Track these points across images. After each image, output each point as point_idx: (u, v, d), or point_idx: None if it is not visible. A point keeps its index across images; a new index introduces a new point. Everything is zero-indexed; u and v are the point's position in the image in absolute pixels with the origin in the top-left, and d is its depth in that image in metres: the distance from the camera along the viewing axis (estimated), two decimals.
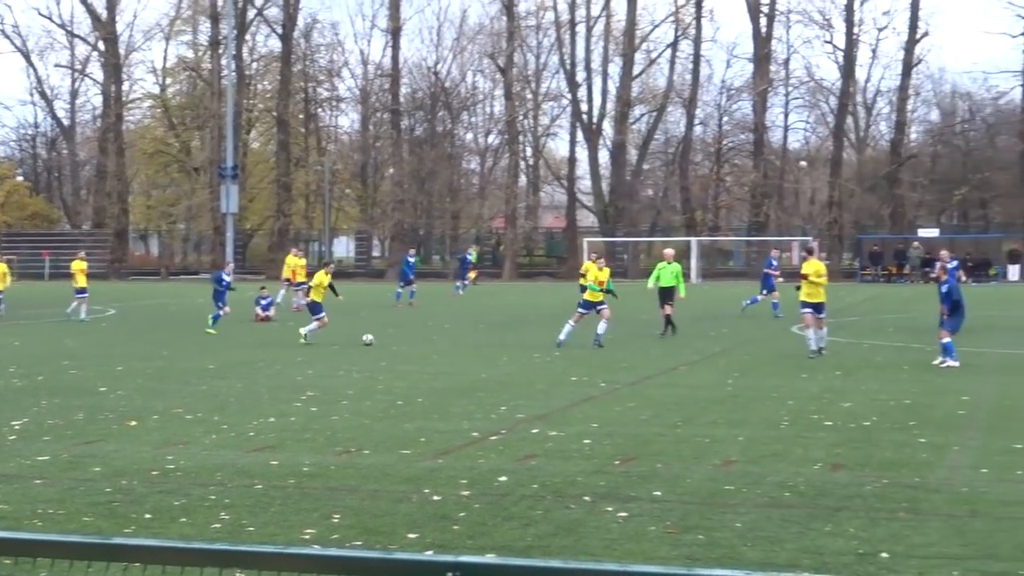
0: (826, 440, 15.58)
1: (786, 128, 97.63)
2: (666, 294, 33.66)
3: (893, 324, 37.84)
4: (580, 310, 30.32)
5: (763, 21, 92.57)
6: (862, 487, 12.59)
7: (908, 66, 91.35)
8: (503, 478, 13.11)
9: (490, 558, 3.66)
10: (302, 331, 31.44)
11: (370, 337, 30.64)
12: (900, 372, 23.90)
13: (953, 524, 11.03)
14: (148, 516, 11.48)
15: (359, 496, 12.31)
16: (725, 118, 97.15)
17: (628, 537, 10.57)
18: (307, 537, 10.63)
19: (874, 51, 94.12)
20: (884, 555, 9.94)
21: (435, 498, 12.12)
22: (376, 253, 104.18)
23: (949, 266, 32.88)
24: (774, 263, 42.86)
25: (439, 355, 28.09)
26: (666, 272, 34.02)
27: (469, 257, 64.11)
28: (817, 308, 26.78)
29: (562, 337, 29.56)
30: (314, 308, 32.15)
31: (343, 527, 10.98)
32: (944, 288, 25.17)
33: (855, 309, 43.53)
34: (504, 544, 10.33)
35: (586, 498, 12.09)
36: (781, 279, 41.25)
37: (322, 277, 32.70)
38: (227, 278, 37.44)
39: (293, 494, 12.40)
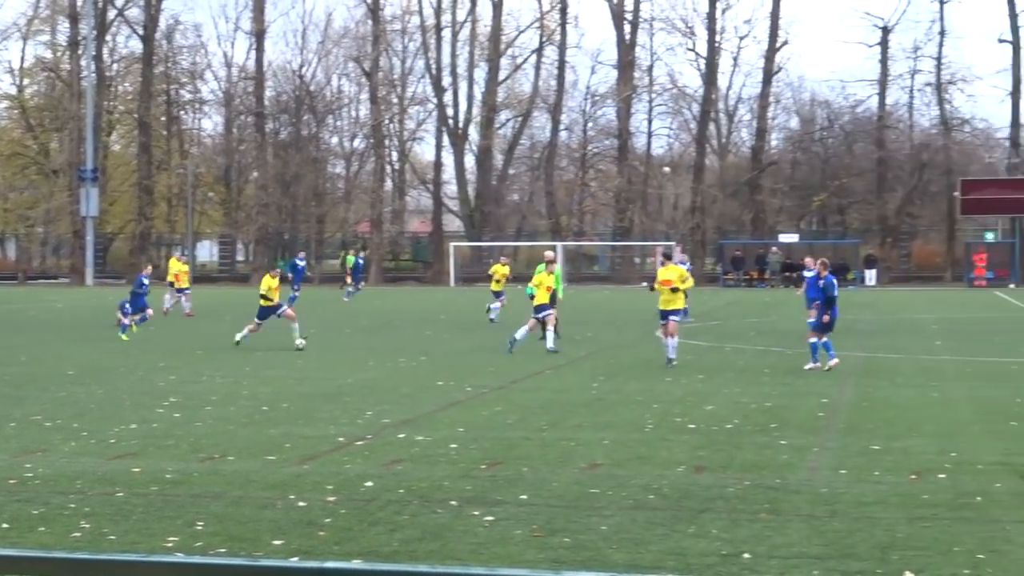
0: (689, 443, 15.76)
1: (650, 134, 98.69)
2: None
3: (754, 328, 38.41)
4: (550, 313, 29.72)
5: (627, 28, 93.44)
6: (725, 489, 12.76)
7: (768, 74, 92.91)
8: (369, 483, 13.05)
9: (356, 564, 3.65)
10: (297, 342, 30.53)
11: (302, 342, 30.24)
12: (761, 375, 24.25)
13: (813, 524, 11.22)
14: (5, 526, 11.23)
15: (223, 503, 12.18)
16: (590, 124, 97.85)
17: (494, 541, 10.60)
18: (170, 545, 10.49)
19: (735, 59, 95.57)
20: (746, 556, 10.08)
21: (300, 504, 12.03)
22: (240, 257, 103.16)
23: (812, 272, 33.53)
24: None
25: (304, 360, 27.88)
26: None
27: (361, 261, 63.96)
28: (671, 315, 26.13)
29: (551, 346, 28.98)
30: (263, 312, 31.50)
31: (207, 534, 10.85)
32: (822, 283, 25.45)
33: (717, 313, 44.16)
34: (370, 549, 10.29)
35: (452, 503, 12.09)
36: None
37: (269, 281, 32.11)
38: (148, 282, 36.64)
39: (155, 501, 12.22)
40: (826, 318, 25.18)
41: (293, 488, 12.81)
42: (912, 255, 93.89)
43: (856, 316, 41.92)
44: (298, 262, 52.45)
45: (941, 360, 27.72)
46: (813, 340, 25.18)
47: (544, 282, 29.86)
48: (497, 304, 40.36)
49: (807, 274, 34.00)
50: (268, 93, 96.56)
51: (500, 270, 41.28)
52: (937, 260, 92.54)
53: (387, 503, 12.10)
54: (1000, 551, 10.28)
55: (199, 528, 11.08)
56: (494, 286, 40.87)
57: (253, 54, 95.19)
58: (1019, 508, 11.96)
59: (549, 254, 36.32)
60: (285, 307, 31.47)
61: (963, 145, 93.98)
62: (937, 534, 10.84)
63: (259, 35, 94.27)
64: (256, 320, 31.30)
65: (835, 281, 25.59)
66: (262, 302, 31.31)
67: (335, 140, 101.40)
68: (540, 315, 29.38)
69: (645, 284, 28.51)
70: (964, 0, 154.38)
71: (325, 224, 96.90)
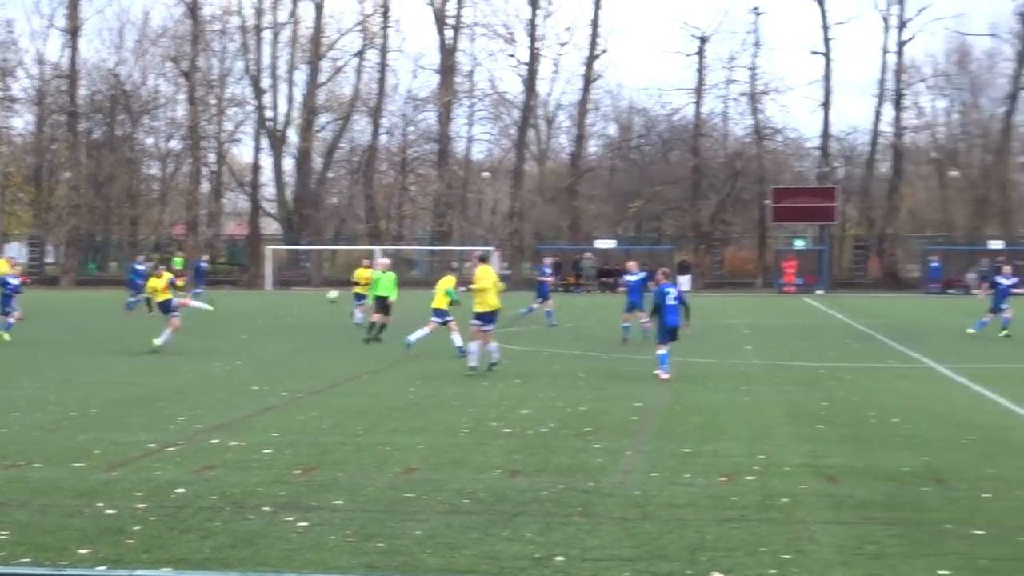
0: (505, 447, 15.84)
1: (470, 139, 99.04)
2: (381, 301, 33.97)
3: (571, 333, 38.76)
4: (434, 319, 29.28)
5: (449, 33, 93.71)
6: (539, 492, 12.85)
7: (588, 81, 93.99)
8: (180, 490, 12.85)
9: (166, 572, 3.59)
10: (156, 341, 30.18)
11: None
12: (577, 380, 24.46)
13: (625, 527, 11.36)
14: None
15: (28, 511, 11.86)
16: (410, 128, 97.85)
17: (308, 547, 10.52)
18: None
19: (556, 66, 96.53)
20: (559, 558, 10.17)
21: (109, 512, 11.78)
22: (50, 259, 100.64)
23: (639, 276, 34.09)
24: (547, 270, 43.85)
25: (117, 364, 27.34)
26: (384, 280, 34.33)
27: (205, 265, 62.74)
28: (485, 318, 25.61)
29: (412, 339, 28.85)
30: (165, 306, 31.03)
31: (10, 544, 10.56)
32: (656, 290, 25.52)
33: (535, 318, 44.40)
34: (181, 557, 10.12)
35: (266, 508, 11.97)
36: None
37: (155, 283, 31.53)
38: (13, 281, 35.28)
39: None
40: (650, 325, 25.29)
41: (102, 495, 12.54)
42: (725, 261, 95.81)
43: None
44: (137, 267, 51.55)
45: (752, 364, 28.32)
46: (661, 352, 25.06)
47: (444, 286, 29.63)
48: (359, 310, 40.23)
49: (629, 278, 34.62)
50: (82, 92, 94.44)
51: (363, 274, 41.04)
52: (749, 267, 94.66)
53: (199, 510, 11.92)
54: (805, 551, 10.54)
55: (2, 537, 10.78)
56: (358, 289, 40.63)
57: (67, 51, 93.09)
58: (824, 509, 12.28)
59: (384, 261, 36.45)
60: (177, 312, 31.08)
61: (775, 154, 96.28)
62: (745, 535, 11.07)
63: (73, 32, 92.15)
64: (169, 318, 30.96)
65: (668, 290, 25.20)
66: (156, 299, 31.31)
67: (151, 141, 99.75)
68: (443, 320, 29.25)
69: (464, 288, 28.20)
70: (778, 13, 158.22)
71: (139, 226, 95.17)
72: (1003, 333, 36.85)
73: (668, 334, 25.03)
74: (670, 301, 24.97)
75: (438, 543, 10.68)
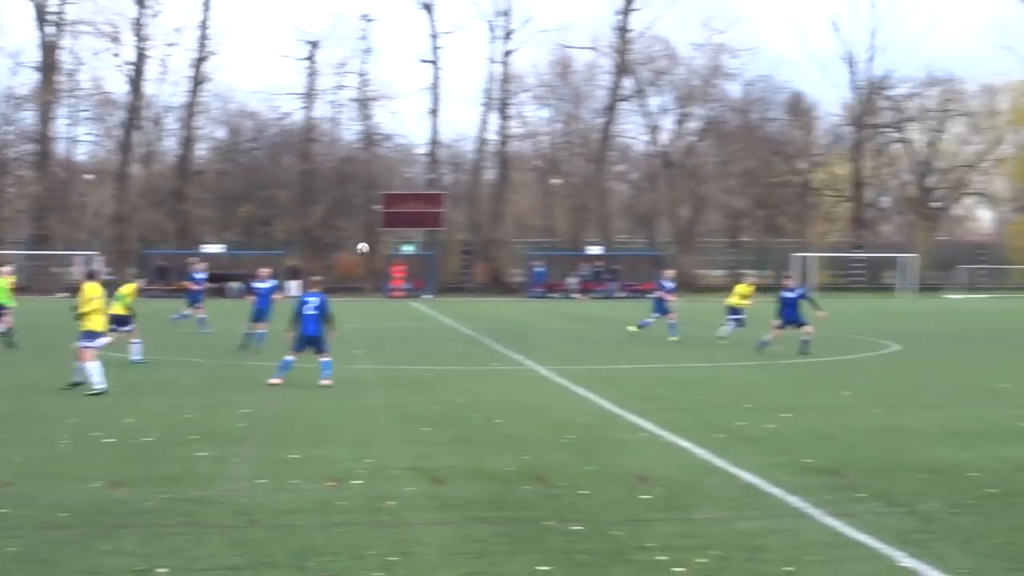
0: (107, 457, 15.39)
1: (73, 140, 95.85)
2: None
3: (177, 339, 38.04)
4: (114, 327, 27.10)
5: (51, 30, 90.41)
6: (143, 503, 12.56)
7: (196, 83, 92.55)
8: None
9: None
10: None
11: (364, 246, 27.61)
12: (184, 387, 24.04)
13: (232, 535, 11.24)
14: None
15: None
16: (8, 127, 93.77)
17: None
18: None
19: (164, 67, 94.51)
20: (163, 570, 9.98)
21: None
22: None
23: (270, 284, 33.96)
24: (200, 276, 42.82)
25: None
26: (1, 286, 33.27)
27: None
28: (93, 337, 23.47)
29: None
30: None
31: None
32: (298, 298, 25.18)
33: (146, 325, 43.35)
34: None
35: None
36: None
37: None
38: None
39: None
40: (290, 335, 24.94)
41: None
42: (335, 266, 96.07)
43: (281, 327, 42.25)
44: None
45: (361, 369, 28.47)
46: (289, 358, 24.65)
47: (124, 293, 28.51)
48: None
49: (259, 285, 34.33)
50: None
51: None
52: (358, 271, 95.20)
53: None
54: (411, 552, 10.68)
55: None
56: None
57: None
58: (430, 510, 12.47)
59: (6, 268, 34.89)
60: None
61: (385, 160, 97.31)
62: (352, 538, 11.13)
63: None
64: None
65: (308, 300, 24.81)
66: None
67: None
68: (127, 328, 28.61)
69: (68, 294, 26.74)
70: (389, 20, 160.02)
71: None
72: (632, 329, 37.95)
73: (304, 342, 24.88)
74: (308, 311, 24.82)
75: (34, 559, 10.30)
